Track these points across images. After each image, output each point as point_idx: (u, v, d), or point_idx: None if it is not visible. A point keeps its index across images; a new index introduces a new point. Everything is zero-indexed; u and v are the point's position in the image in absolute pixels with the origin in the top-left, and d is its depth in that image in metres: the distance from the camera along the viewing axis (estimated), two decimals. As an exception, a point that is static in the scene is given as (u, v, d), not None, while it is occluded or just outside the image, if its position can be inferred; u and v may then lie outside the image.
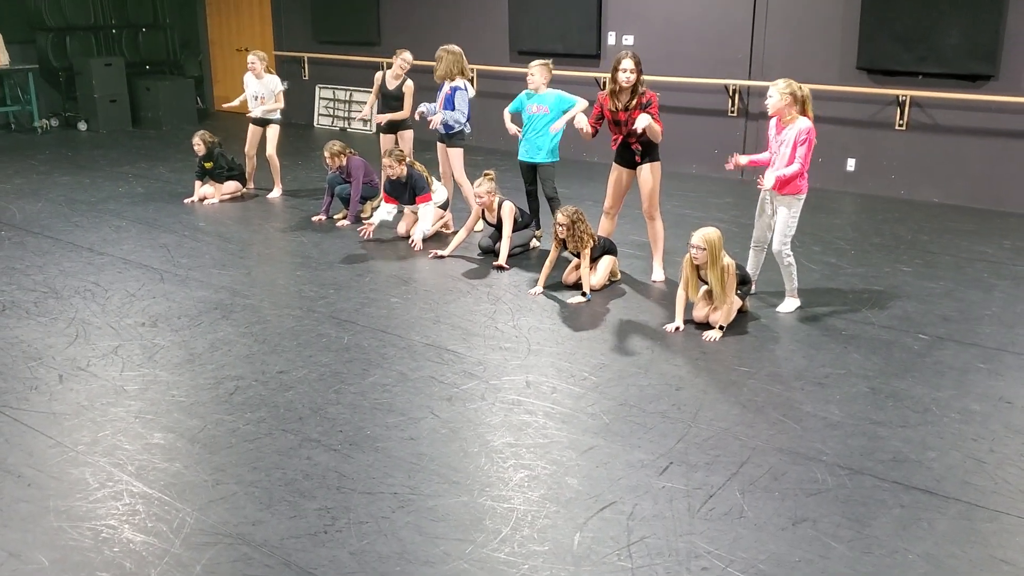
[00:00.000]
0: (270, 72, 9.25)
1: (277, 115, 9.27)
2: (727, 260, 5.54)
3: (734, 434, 4.33)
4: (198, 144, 8.96)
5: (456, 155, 7.77)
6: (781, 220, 5.82)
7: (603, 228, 6.73)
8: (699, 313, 5.71)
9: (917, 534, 3.53)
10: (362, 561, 3.36)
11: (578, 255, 6.31)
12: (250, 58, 9.11)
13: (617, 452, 4.17)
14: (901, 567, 3.33)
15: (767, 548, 3.44)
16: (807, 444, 4.24)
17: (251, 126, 9.34)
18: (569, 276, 6.51)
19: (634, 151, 6.38)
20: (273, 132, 9.24)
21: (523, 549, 3.44)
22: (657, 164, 6.43)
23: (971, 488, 3.86)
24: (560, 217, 6.22)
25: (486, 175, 7.04)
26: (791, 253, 5.87)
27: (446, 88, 7.62)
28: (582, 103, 7.05)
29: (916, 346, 5.42)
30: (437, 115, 7.58)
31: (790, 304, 6.01)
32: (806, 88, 5.69)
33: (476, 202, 7.07)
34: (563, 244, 6.31)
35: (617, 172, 6.56)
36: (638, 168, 6.43)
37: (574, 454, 4.15)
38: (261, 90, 9.12)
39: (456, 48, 7.67)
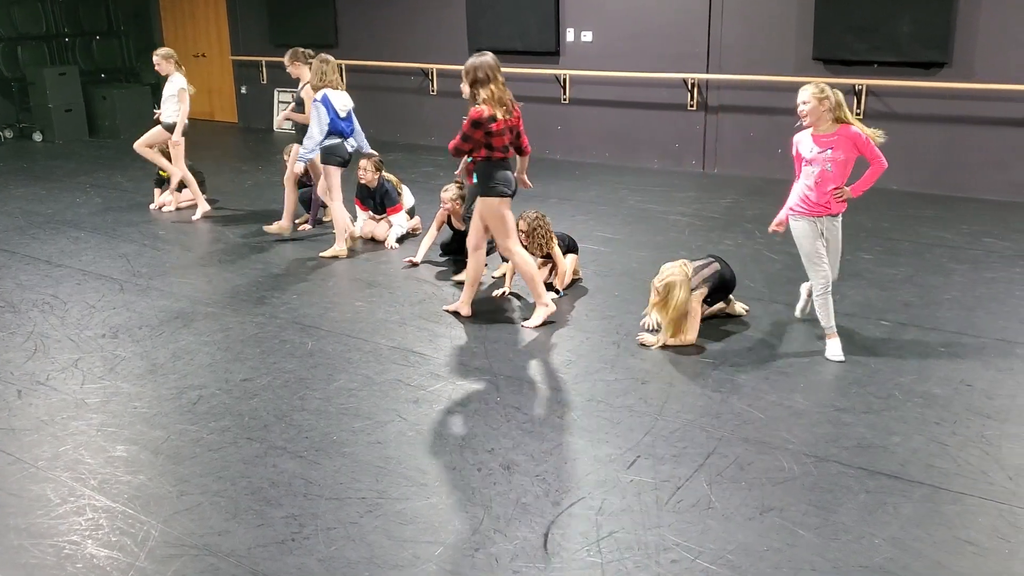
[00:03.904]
0: (179, 68, 8.44)
1: (171, 119, 8.39)
2: (687, 294, 5.15)
3: (700, 425, 4.35)
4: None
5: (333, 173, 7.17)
6: (839, 241, 5.26)
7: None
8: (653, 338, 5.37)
9: (883, 519, 3.57)
10: (331, 568, 3.34)
11: (546, 256, 6.29)
12: (154, 58, 8.42)
13: (585, 447, 4.17)
14: (868, 552, 3.36)
15: (735, 538, 3.46)
16: (772, 433, 4.27)
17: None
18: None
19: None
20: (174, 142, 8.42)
21: (493, 549, 3.43)
22: (489, 200, 5.46)
23: (935, 471, 3.91)
24: (520, 223, 6.08)
25: (456, 182, 6.84)
26: None
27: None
28: None
29: (878, 332, 5.47)
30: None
31: (835, 346, 5.13)
32: (838, 93, 5.04)
33: (442, 207, 6.92)
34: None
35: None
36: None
37: (542, 451, 4.15)
38: (166, 91, 8.42)
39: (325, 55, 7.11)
